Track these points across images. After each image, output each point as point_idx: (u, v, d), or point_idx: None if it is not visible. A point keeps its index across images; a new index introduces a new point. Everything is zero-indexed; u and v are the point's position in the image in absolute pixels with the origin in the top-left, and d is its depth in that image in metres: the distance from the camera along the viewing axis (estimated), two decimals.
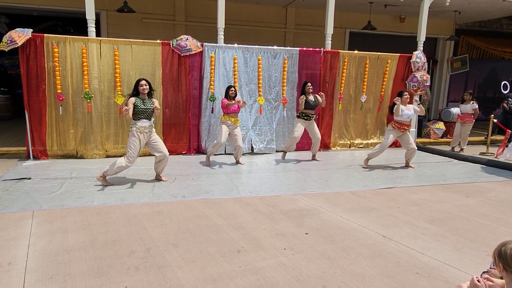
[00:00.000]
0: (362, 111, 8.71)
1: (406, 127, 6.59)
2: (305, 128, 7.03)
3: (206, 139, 7.58)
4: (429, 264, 3.17)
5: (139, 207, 4.37)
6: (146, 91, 5.21)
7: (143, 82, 5.22)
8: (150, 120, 5.26)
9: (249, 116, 7.79)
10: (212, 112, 7.45)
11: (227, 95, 6.45)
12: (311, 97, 6.86)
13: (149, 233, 3.63)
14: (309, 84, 6.89)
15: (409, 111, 6.52)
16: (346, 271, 3.01)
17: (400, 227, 3.97)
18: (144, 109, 5.16)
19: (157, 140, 5.38)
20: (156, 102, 5.31)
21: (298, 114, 7.01)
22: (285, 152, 7.18)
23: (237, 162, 6.76)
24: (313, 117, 6.98)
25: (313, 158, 7.34)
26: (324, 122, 8.37)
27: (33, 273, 2.87)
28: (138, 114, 5.14)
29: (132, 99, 5.15)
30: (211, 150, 6.65)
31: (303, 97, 6.75)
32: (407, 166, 6.91)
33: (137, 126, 5.14)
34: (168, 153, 5.44)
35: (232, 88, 6.44)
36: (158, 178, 5.58)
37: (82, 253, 3.19)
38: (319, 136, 7.15)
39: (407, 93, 6.67)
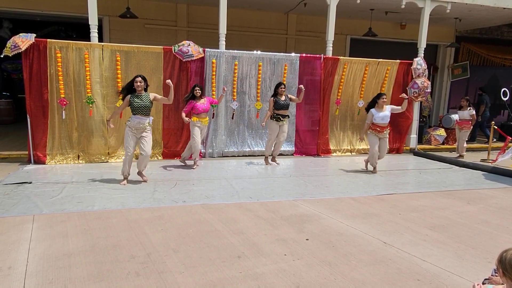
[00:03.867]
0: (362, 117, 8.72)
1: (380, 129, 6.62)
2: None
3: (207, 145, 7.61)
4: (430, 271, 3.16)
5: (140, 212, 4.36)
6: (141, 88, 5.29)
7: (139, 79, 5.30)
8: (146, 116, 5.33)
9: (246, 119, 7.85)
10: (213, 117, 7.48)
11: (193, 96, 6.43)
12: (282, 98, 6.84)
13: (150, 238, 3.63)
14: (282, 86, 6.84)
15: (382, 113, 6.60)
16: (347, 278, 3.00)
17: (401, 234, 3.96)
18: (140, 105, 5.26)
19: (146, 138, 5.40)
20: (154, 95, 5.45)
21: (271, 116, 6.90)
22: (266, 157, 7.20)
23: (194, 163, 6.73)
24: (286, 117, 6.93)
25: (273, 160, 7.24)
26: (323, 128, 8.37)
27: (33, 277, 2.86)
28: (133, 109, 5.28)
29: (128, 97, 5.27)
30: (185, 153, 6.72)
31: (272, 99, 6.84)
32: (370, 170, 6.85)
33: (129, 122, 5.32)
34: (150, 152, 5.48)
35: (197, 88, 6.43)
36: (139, 175, 5.63)
37: (82, 258, 3.18)
38: (283, 139, 7.06)
39: (385, 96, 6.75)
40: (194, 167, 6.65)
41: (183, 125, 7.40)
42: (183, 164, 6.83)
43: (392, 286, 2.90)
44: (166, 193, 5.18)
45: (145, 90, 5.39)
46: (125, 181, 5.49)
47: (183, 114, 6.41)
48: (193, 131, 6.46)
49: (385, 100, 6.68)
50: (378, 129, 6.64)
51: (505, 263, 1.82)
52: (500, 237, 3.97)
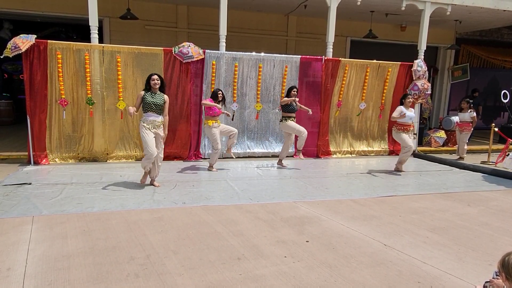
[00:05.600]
0: (363, 118, 8.73)
1: (408, 127, 6.98)
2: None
3: (206, 146, 7.61)
4: (431, 273, 3.15)
5: (140, 213, 4.35)
6: (157, 86, 5.27)
7: (155, 76, 5.28)
8: (159, 115, 5.27)
9: (246, 121, 7.87)
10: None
11: (215, 98, 6.43)
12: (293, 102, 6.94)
13: (149, 240, 3.62)
14: (294, 89, 6.85)
15: (411, 113, 6.99)
16: (347, 280, 2.99)
17: (401, 236, 3.95)
18: (152, 101, 5.18)
19: (158, 138, 5.37)
20: (166, 99, 5.37)
21: (285, 118, 6.89)
22: (280, 160, 7.22)
23: (228, 151, 6.83)
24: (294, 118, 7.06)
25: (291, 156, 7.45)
26: (323, 129, 8.37)
27: (32, 279, 2.85)
28: (145, 106, 5.22)
29: (141, 93, 5.26)
30: (214, 158, 6.65)
31: (287, 99, 6.84)
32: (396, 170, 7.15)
33: (143, 120, 5.23)
34: (160, 154, 5.43)
35: (220, 92, 6.49)
36: (152, 183, 5.57)
37: (82, 259, 3.17)
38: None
39: (410, 97, 7.12)
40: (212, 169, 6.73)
41: (184, 127, 7.39)
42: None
43: None
44: (165, 194, 5.17)
45: (161, 90, 5.33)
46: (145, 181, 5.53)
47: (205, 102, 6.45)
48: (214, 134, 6.43)
49: (410, 100, 7.03)
50: (405, 127, 6.93)
51: (508, 267, 1.81)
52: (500, 239, 3.96)
